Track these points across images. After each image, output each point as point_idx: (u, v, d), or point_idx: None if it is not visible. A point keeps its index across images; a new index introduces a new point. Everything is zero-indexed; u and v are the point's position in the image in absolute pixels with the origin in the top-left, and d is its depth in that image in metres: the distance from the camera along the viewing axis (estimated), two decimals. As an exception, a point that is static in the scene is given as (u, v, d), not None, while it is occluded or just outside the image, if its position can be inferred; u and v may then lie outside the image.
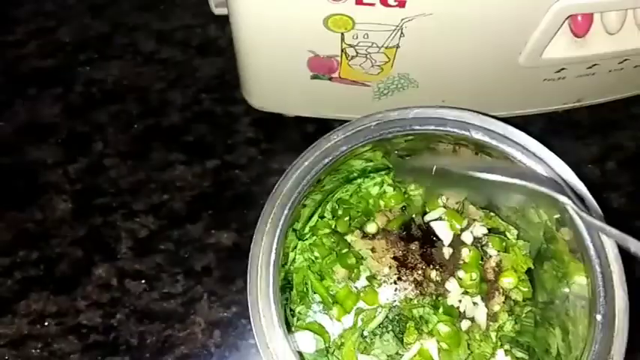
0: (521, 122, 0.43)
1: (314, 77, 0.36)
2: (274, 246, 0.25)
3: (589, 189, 0.41)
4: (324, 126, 0.43)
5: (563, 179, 0.27)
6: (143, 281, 0.39)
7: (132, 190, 0.41)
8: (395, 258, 0.29)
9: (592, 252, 0.26)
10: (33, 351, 0.37)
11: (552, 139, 0.44)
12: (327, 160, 0.26)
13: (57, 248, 0.40)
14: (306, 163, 0.26)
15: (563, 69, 0.36)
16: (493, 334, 0.29)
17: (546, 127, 0.44)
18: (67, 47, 0.46)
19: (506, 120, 0.31)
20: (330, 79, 0.36)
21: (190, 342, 0.38)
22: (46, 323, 0.38)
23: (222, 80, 0.45)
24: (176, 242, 0.40)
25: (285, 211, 0.25)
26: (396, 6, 0.29)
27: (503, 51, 0.33)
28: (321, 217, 0.31)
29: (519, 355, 0.29)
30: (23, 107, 0.44)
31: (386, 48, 0.32)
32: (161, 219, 0.41)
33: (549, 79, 0.37)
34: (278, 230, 0.25)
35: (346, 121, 0.29)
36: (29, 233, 0.40)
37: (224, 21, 0.45)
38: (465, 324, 0.29)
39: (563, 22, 0.31)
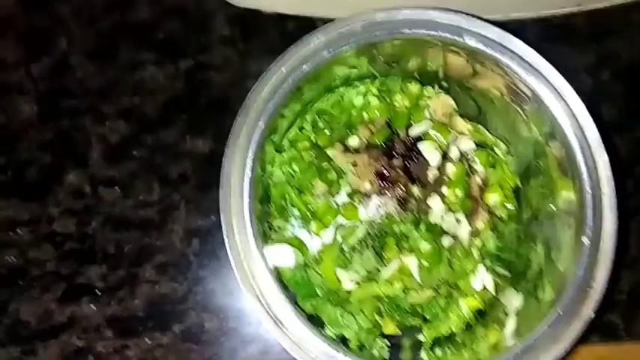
0: (517, 27, 0.40)
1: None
2: (248, 161, 0.23)
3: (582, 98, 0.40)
4: (306, 24, 0.40)
5: (558, 92, 0.25)
6: (117, 188, 0.38)
7: (100, 92, 0.39)
8: (377, 173, 0.28)
9: (583, 170, 0.25)
10: (8, 259, 0.37)
11: (548, 45, 0.42)
12: (306, 67, 0.24)
13: (24, 153, 0.38)
14: (283, 69, 0.24)
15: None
16: (475, 251, 0.29)
17: (542, 33, 0.42)
18: None
19: (501, 25, 0.28)
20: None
21: (168, 250, 0.37)
22: (19, 231, 0.37)
23: (194, -30, 0.41)
24: (150, 148, 0.38)
25: (260, 123, 0.23)
26: None
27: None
28: (300, 128, 0.30)
29: (500, 271, 0.29)
30: (-25, -2, 0.40)
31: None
32: (132, 123, 0.39)
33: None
34: (252, 144, 0.23)
35: (330, 21, 0.26)
36: (-7, 137, 0.38)
37: None
38: (446, 241, 0.28)
39: None
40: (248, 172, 0.24)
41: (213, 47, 0.40)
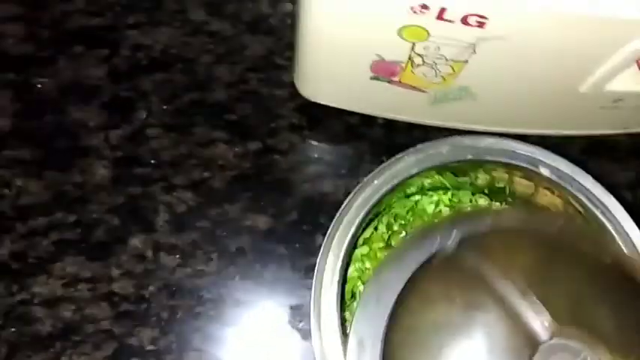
0: (566, 141, 0.43)
1: (374, 78, 0.35)
2: (339, 265, 0.25)
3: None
4: (367, 119, 0.43)
5: (622, 231, 0.27)
6: (178, 256, 0.40)
7: (173, 164, 0.41)
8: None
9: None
10: (66, 313, 0.38)
11: (592, 159, 0.45)
12: (396, 181, 0.26)
13: (94, 214, 0.40)
14: (376, 182, 0.27)
15: (621, 99, 0.36)
16: None
17: (588, 147, 0.44)
18: (116, 7, 0.45)
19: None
20: (390, 81, 0.36)
21: (219, 321, 0.39)
22: (79, 287, 0.39)
23: (270, 61, 0.44)
24: (213, 221, 0.40)
25: (352, 230, 0.25)
26: (476, 26, 0.29)
27: (567, 79, 0.33)
28: (375, 228, 0.32)
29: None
30: (68, 65, 0.43)
31: (454, 61, 0.32)
32: (200, 196, 0.41)
33: (605, 107, 0.37)
34: (343, 249, 0.25)
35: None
36: (67, 195, 0.40)
37: (277, -3, 0.45)
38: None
39: (634, 60, 0.31)
40: (337, 277, 0.25)
41: (281, 132, 0.43)
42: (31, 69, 0.43)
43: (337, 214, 0.27)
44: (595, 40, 0.30)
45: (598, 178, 0.45)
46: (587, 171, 0.44)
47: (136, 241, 0.40)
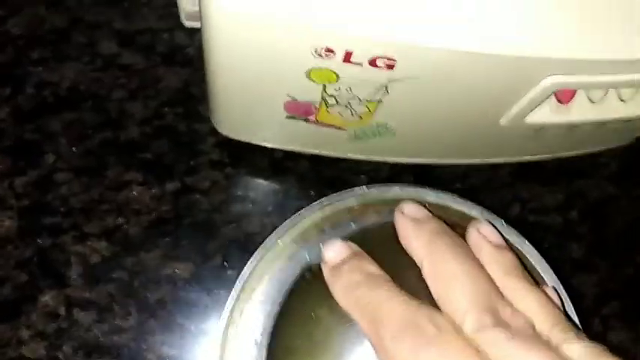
0: (492, 165, 0.42)
1: (289, 118, 0.34)
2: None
3: (553, 237, 0.41)
4: (292, 153, 0.41)
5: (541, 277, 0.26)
6: (93, 311, 0.37)
7: (84, 210, 0.39)
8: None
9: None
10: (-31, 383, 0.35)
11: (520, 183, 0.45)
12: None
13: (0, 270, 0.37)
14: (281, 244, 0.25)
15: (543, 128, 0.35)
16: None
17: (515, 171, 0.44)
18: (19, 41, 0.42)
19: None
20: (307, 120, 0.34)
21: (140, 379, 0.36)
22: (-16, 353, 0.36)
23: (188, 94, 0.42)
24: (130, 271, 0.38)
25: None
26: (385, 68, 0.27)
27: (486, 113, 0.32)
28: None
29: None
30: (-35, 107, 0.40)
31: (368, 101, 0.31)
32: (115, 244, 0.38)
33: (528, 136, 0.36)
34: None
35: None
36: (-32, 251, 0.37)
37: (193, 29, 0.43)
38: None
39: (551, 94, 0.30)
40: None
41: (202, 170, 0.41)
42: None
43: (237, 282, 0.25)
44: (508, 77, 0.29)
45: (527, 201, 0.45)
46: (516, 196, 0.44)
47: (47, 298, 0.37)
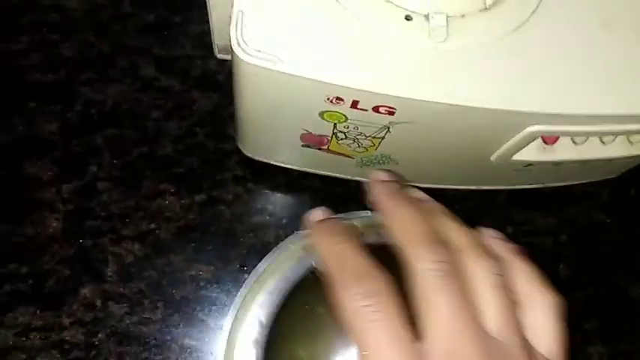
0: (492, 190, 0.47)
1: (304, 146, 0.38)
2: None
3: (542, 258, 0.45)
4: (307, 172, 0.46)
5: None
6: (125, 305, 0.42)
7: (121, 216, 0.44)
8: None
9: None
10: (17, 362, 0.41)
11: (515, 208, 0.48)
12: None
13: (46, 265, 0.42)
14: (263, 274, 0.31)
15: (532, 164, 0.39)
16: None
17: (512, 196, 0.48)
18: (69, 63, 0.47)
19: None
20: (320, 149, 0.39)
21: (165, 367, 0.41)
22: (31, 336, 0.41)
23: (217, 116, 0.47)
24: (159, 271, 0.43)
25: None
26: (387, 114, 0.32)
27: (477, 152, 0.37)
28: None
29: None
30: (21, 120, 0.45)
31: (373, 137, 0.35)
32: (147, 247, 0.43)
33: (518, 170, 0.40)
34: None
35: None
36: (20, 248, 0.43)
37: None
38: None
39: (534, 139, 0.35)
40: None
41: (226, 184, 0.46)
42: (-14, 124, 0.45)
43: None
44: (495, 125, 0.33)
45: (520, 224, 0.49)
46: (511, 219, 0.48)
47: (86, 291, 0.42)
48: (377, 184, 0.29)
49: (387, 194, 0.28)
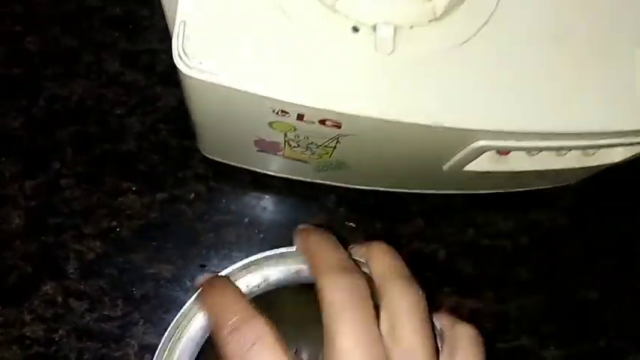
0: (450, 194, 0.47)
1: (260, 151, 0.39)
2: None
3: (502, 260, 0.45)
4: (270, 172, 0.46)
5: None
6: (86, 302, 0.43)
7: (83, 213, 0.44)
8: None
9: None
10: (-23, 357, 0.41)
11: (475, 211, 0.49)
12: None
13: (8, 261, 0.43)
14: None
15: (488, 172, 0.39)
16: None
17: (472, 199, 0.48)
18: (35, 58, 0.47)
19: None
20: (275, 154, 0.39)
21: (123, 363, 0.42)
22: (-8, 331, 0.42)
23: (181, 112, 0.47)
24: (120, 268, 0.44)
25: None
26: (333, 126, 0.32)
27: (428, 162, 0.37)
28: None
29: None
30: (-14, 115, 0.45)
31: (324, 147, 0.35)
32: (108, 244, 0.44)
33: (473, 177, 0.40)
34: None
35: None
36: (-18, 243, 0.43)
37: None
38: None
39: (482, 153, 0.35)
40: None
41: (188, 182, 0.46)
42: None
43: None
44: (441, 140, 0.33)
45: (481, 226, 0.49)
46: (472, 221, 0.49)
47: (47, 287, 0.43)
48: (299, 232, 0.29)
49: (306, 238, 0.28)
